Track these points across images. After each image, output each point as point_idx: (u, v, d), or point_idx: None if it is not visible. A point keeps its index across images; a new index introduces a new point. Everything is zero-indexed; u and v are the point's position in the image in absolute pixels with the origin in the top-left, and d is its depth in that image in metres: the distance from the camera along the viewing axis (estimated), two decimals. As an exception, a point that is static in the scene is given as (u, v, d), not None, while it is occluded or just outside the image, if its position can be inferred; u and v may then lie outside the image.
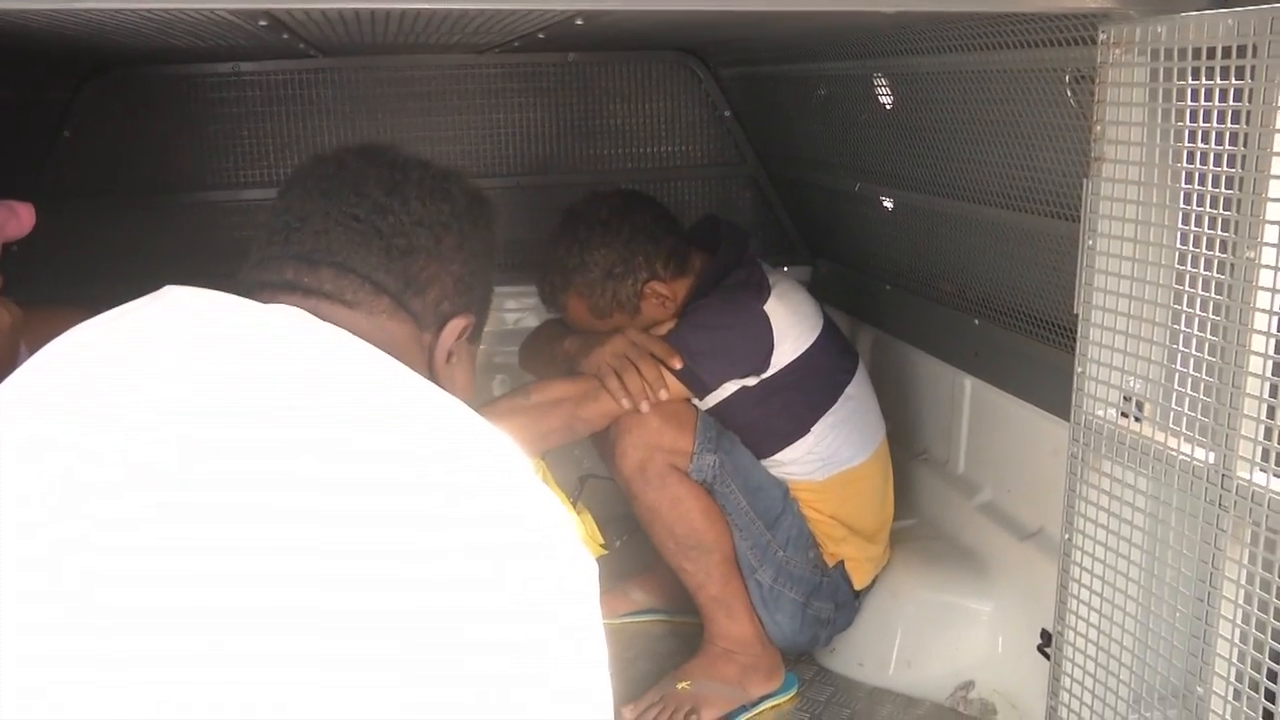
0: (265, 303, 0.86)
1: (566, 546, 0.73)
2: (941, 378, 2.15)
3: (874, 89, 1.94)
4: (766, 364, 1.89)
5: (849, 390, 1.99)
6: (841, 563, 1.99)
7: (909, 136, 1.91)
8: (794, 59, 2.14)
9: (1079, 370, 1.17)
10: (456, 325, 0.97)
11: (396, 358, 0.82)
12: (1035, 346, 1.76)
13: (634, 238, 1.93)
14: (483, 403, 1.87)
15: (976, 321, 1.97)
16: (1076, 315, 1.18)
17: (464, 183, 1.01)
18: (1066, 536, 1.21)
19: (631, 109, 2.60)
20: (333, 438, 0.70)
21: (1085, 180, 1.13)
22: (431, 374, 0.96)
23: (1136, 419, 1.12)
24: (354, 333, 0.83)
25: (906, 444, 2.27)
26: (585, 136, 2.61)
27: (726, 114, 2.63)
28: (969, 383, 2.06)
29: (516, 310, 2.59)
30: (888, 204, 2.17)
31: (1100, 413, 1.16)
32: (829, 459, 1.97)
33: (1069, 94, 1.38)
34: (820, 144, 2.31)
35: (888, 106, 1.95)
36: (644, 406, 1.84)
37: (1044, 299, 1.68)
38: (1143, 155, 1.06)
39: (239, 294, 0.87)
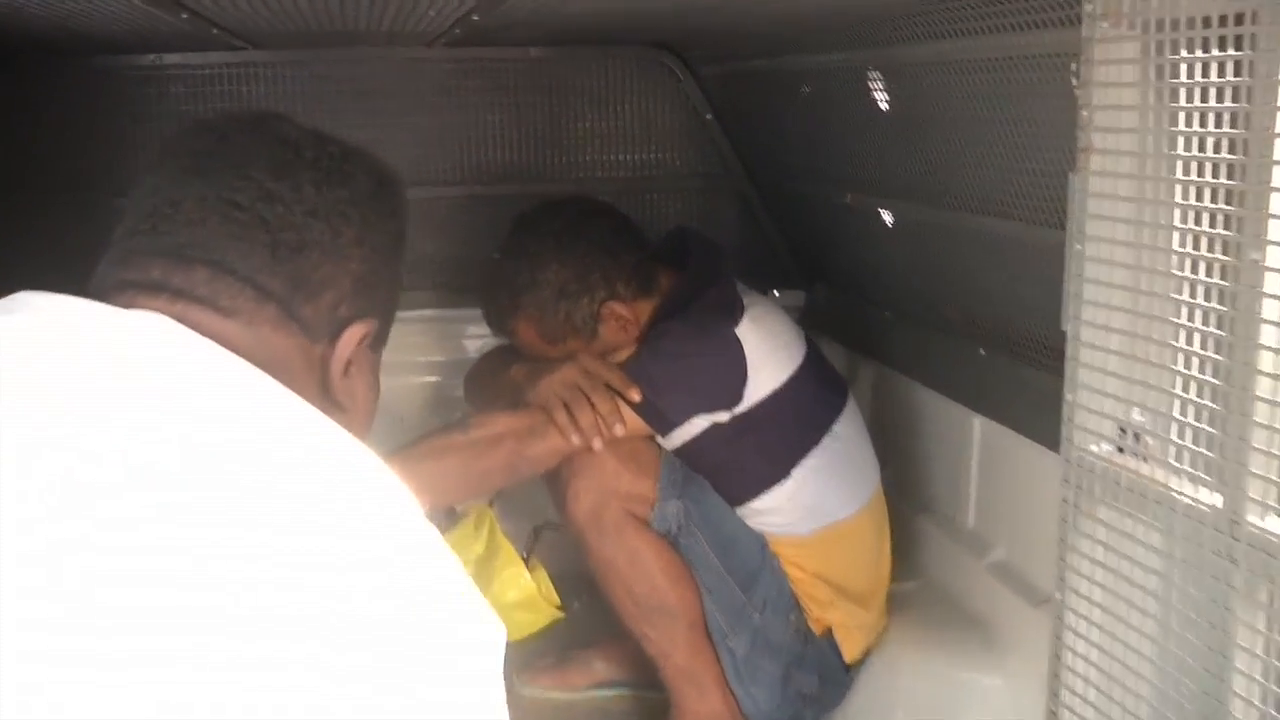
0: (125, 307, 0.83)
1: (458, 611, 0.70)
2: (947, 417, 2.13)
3: (865, 84, 1.93)
4: (739, 397, 1.87)
5: (836, 429, 1.96)
6: (829, 630, 1.96)
7: (905, 139, 1.90)
8: (778, 51, 2.13)
9: (1068, 398, 1.13)
10: (355, 333, 0.94)
11: (280, 377, 0.80)
12: (1051, 380, 1.72)
13: (591, 252, 1.93)
14: (416, 438, 1.84)
15: (983, 351, 1.95)
16: (1065, 333, 1.14)
17: (368, 162, 0.98)
18: (1059, 596, 1.16)
19: (601, 111, 2.61)
20: (181, 481, 0.67)
21: (1070, 175, 1.10)
22: (325, 391, 0.94)
23: (1134, 454, 1.07)
24: (228, 346, 0.80)
25: (908, 494, 2.24)
26: (549, 142, 2.61)
27: (708, 117, 2.63)
28: (977, 423, 2.04)
29: (476, 337, 2.57)
30: (886, 218, 2.16)
31: (1094, 447, 1.11)
32: (813, 508, 1.94)
33: (1073, 83, 1.34)
34: (811, 150, 2.31)
35: (881, 105, 1.94)
36: (597, 444, 1.82)
37: (1055, 321, 1.64)
38: (1136, 143, 1.02)
39: (94, 295, 0.84)
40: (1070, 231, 1.11)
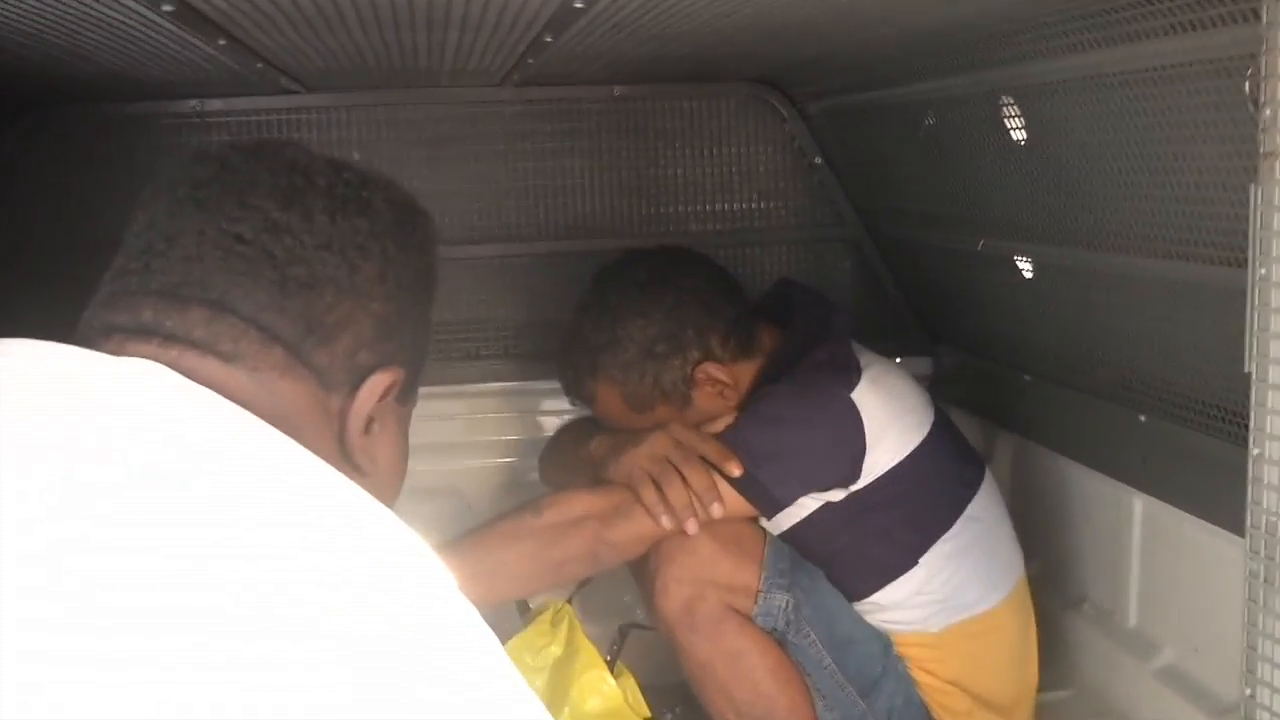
0: (113, 354, 0.82)
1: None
2: (1102, 497, 2.07)
3: (996, 110, 1.90)
4: (857, 472, 1.83)
5: (972, 509, 1.92)
6: None
7: (1045, 171, 1.85)
8: (895, 80, 2.11)
9: (1255, 451, 1.06)
10: (379, 383, 0.92)
11: (290, 431, 0.77)
12: (1229, 451, 1.65)
13: (682, 305, 1.92)
14: (479, 525, 1.83)
15: (1143, 418, 1.89)
16: (1249, 376, 1.07)
17: (389, 189, 0.98)
18: (1248, 693, 1.08)
19: (695, 156, 2.60)
20: (173, 565, 0.65)
21: (1253, 186, 1.04)
22: (343, 451, 0.92)
23: None
24: (231, 397, 0.79)
25: (1058, 588, 2.19)
26: (636, 191, 2.60)
27: (817, 160, 2.61)
28: (1139, 502, 1.98)
29: (555, 413, 2.56)
30: (1023, 266, 2.12)
31: None
32: (947, 602, 1.89)
33: (1246, 90, 1.28)
34: (935, 192, 2.28)
35: (1015, 133, 1.90)
36: (691, 527, 1.79)
37: (1233, 378, 1.57)
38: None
39: (78, 342, 0.83)
40: (1253, 254, 1.05)
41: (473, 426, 2.62)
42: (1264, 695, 1.08)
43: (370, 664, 0.64)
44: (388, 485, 0.96)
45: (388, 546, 0.72)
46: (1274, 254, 1.03)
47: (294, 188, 0.91)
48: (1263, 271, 1.05)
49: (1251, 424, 1.07)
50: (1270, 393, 1.06)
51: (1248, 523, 1.08)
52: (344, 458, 0.91)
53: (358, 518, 0.73)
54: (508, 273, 2.61)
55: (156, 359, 0.81)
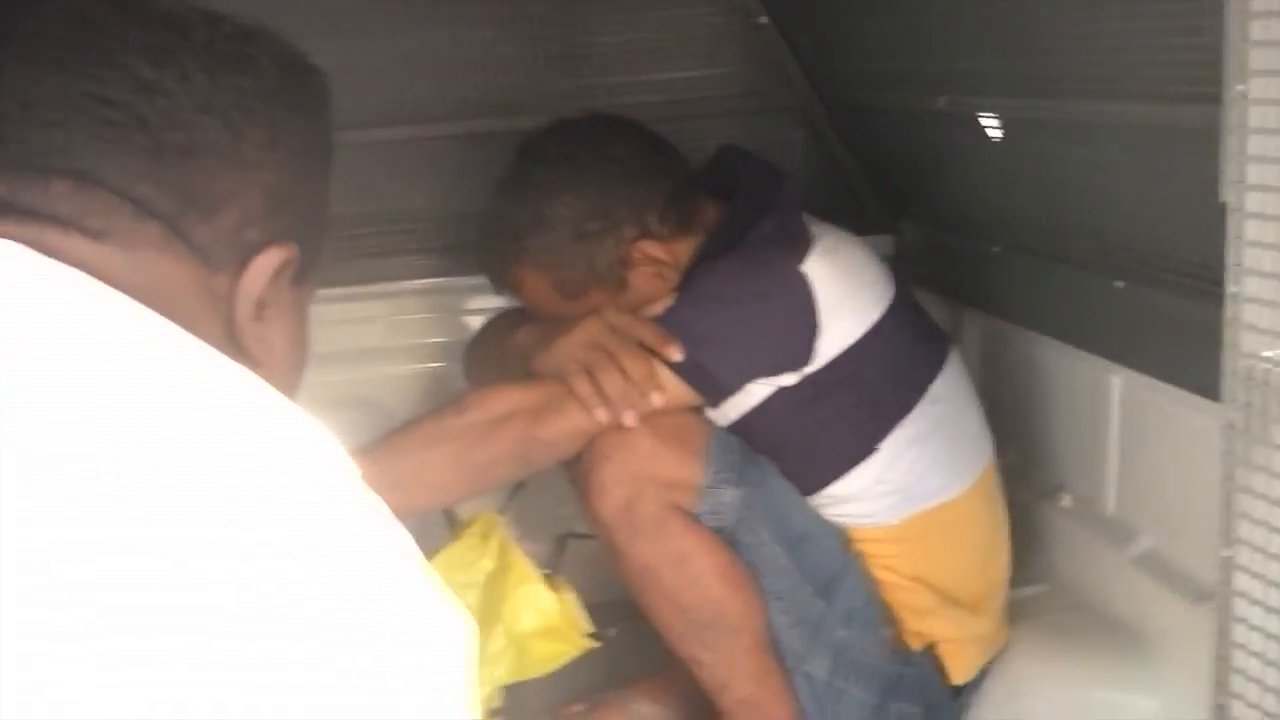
0: None
1: (401, 609, 0.70)
2: (1078, 374, 2.09)
3: None
4: (809, 352, 1.83)
5: (935, 390, 1.92)
6: (932, 645, 1.94)
7: (1004, 13, 1.85)
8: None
9: (1232, 289, 1.06)
10: (270, 261, 0.91)
11: (170, 313, 0.77)
12: (1214, 311, 1.66)
13: (614, 179, 1.91)
14: (395, 429, 1.82)
15: (1120, 284, 1.91)
16: (1224, 207, 1.07)
17: (276, 46, 0.96)
18: (1227, 555, 1.08)
19: (627, 20, 2.55)
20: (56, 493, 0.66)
21: (1227, -4, 1.02)
22: (232, 336, 0.91)
23: None
24: (101, 278, 0.79)
25: (1030, 477, 2.22)
26: (562, 61, 2.56)
27: (762, 19, 2.59)
28: (1117, 378, 2.00)
29: (481, 311, 2.55)
30: (990, 125, 2.11)
31: (1269, 352, 1.04)
32: (907, 491, 1.91)
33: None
34: (891, 46, 2.26)
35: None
36: (628, 419, 1.79)
37: (1213, 228, 1.59)
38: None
39: None
40: (1228, 69, 1.04)
41: (392, 329, 2.60)
42: (1243, 555, 1.09)
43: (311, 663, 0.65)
44: (287, 374, 0.96)
45: (292, 452, 0.72)
46: (1249, 68, 1.02)
47: (167, 43, 0.89)
48: (1240, 88, 1.03)
49: (1228, 258, 1.07)
50: (1248, 223, 1.05)
51: (1224, 367, 1.08)
52: (234, 344, 0.90)
53: (258, 419, 0.73)
54: (423, 157, 2.57)
55: (13, 238, 0.80)
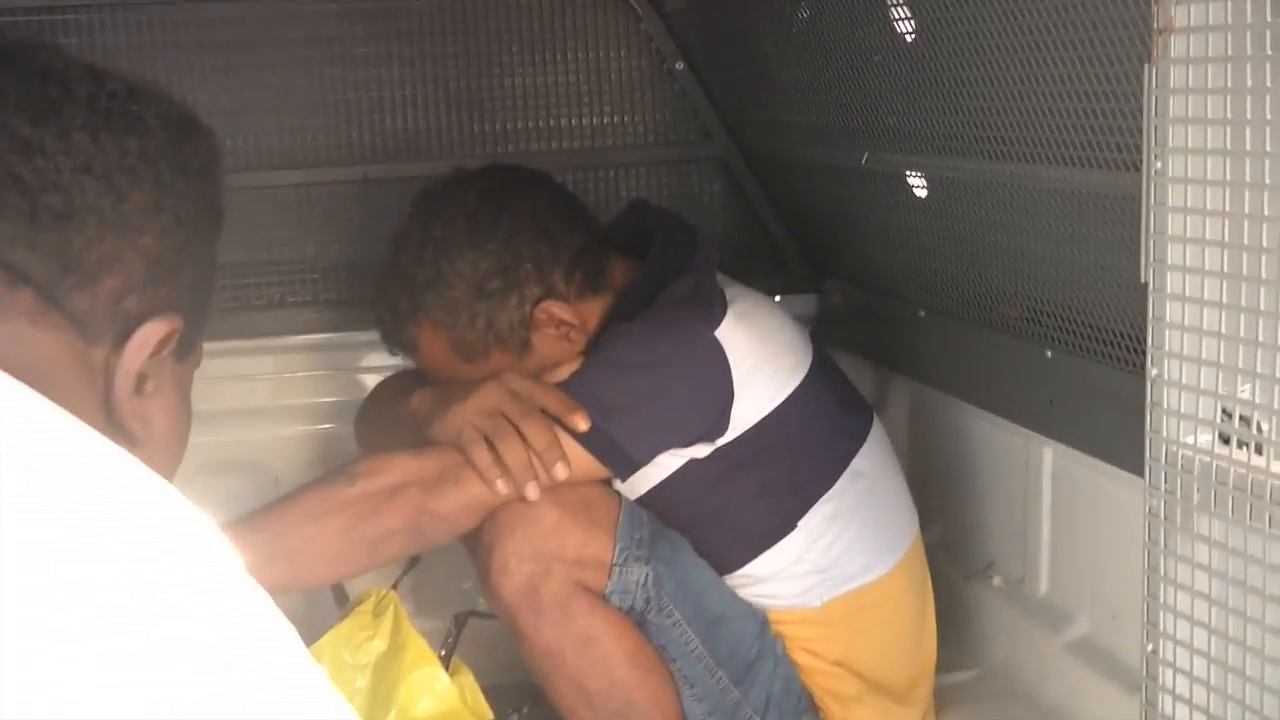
0: None
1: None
2: (1006, 445, 2.13)
3: (878, 2, 1.91)
4: (724, 422, 1.86)
5: (857, 464, 1.96)
6: None
7: (935, 70, 1.89)
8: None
9: (1152, 373, 1.10)
10: (152, 333, 0.92)
11: (46, 390, 0.77)
12: (1139, 382, 1.70)
13: (518, 234, 1.93)
14: (281, 498, 1.83)
15: (1050, 354, 1.94)
16: (1146, 286, 1.11)
17: (164, 104, 0.96)
18: (1149, 648, 1.12)
19: (535, 63, 2.60)
20: None
21: (1147, 67, 1.07)
22: (109, 413, 0.91)
23: (1245, 443, 1.04)
24: None
25: (956, 552, 2.25)
26: (466, 105, 2.59)
27: (679, 65, 2.63)
28: (1048, 452, 2.04)
29: (376, 369, 2.55)
30: (915, 183, 2.16)
31: (1189, 438, 1.08)
32: (829, 571, 1.93)
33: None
34: (812, 100, 2.31)
35: (899, 27, 1.92)
36: (531, 492, 1.80)
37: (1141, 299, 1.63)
38: (1233, 13, 0.99)
39: None
40: (1147, 144, 1.08)
41: (278, 388, 2.60)
42: (1167, 650, 1.12)
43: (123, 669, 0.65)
44: (166, 454, 0.96)
45: (160, 533, 0.72)
46: (1170, 144, 1.07)
47: (48, 99, 0.89)
48: (1158, 165, 1.08)
49: (1149, 340, 1.11)
50: (1168, 304, 1.09)
51: (1146, 454, 1.12)
52: (111, 421, 0.91)
53: (126, 501, 0.73)
54: (316, 204, 2.58)
55: None
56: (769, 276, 2.65)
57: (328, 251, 2.60)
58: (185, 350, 0.96)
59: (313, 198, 2.58)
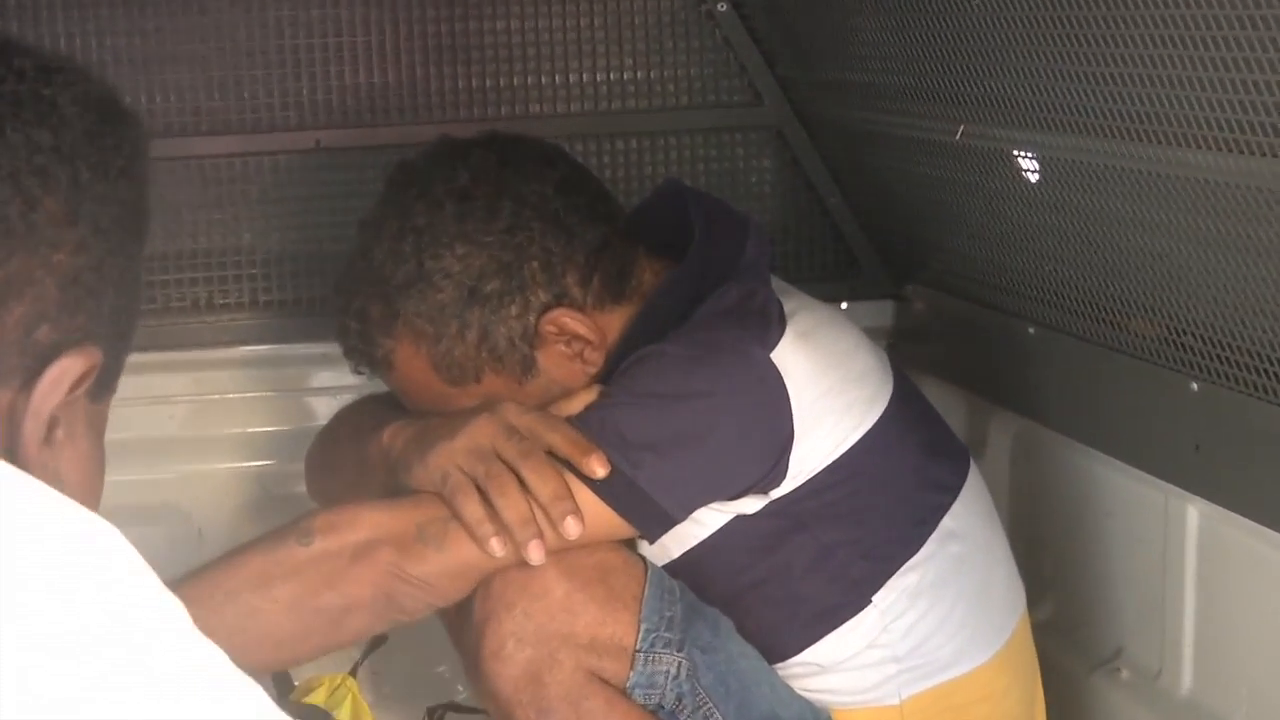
0: None
1: None
2: (1141, 503, 2.13)
3: None
4: (781, 470, 1.88)
5: (950, 523, 1.97)
6: None
7: (1055, 25, 1.88)
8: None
9: None
10: (66, 369, 0.96)
11: None
12: None
13: (524, 224, 1.94)
14: (225, 554, 1.85)
15: (1195, 386, 1.94)
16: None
17: (82, 86, 1.01)
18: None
19: (542, 2, 2.62)
20: None
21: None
22: (20, 461, 0.94)
23: None
24: None
25: (1076, 639, 2.25)
26: (449, 55, 2.62)
27: (720, 7, 2.65)
28: (1192, 510, 2.04)
29: (330, 390, 2.57)
30: (1025, 164, 2.15)
31: None
32: (911, 660, 1.95)
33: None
34: (896, 53, 2.30)
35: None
36: (534, 555, 1.80)
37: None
38: None
39: None
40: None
41: (202, 414, 2.63)
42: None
43: None
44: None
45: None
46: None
47: None
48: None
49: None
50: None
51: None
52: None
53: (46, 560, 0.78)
54: (256, 179, 2.61)
55: None
56: (832, 278, 2.67)
57: (269, 240, 2.62)
58: (102, 389, 1.00)
59: (250, 171, 2.61)
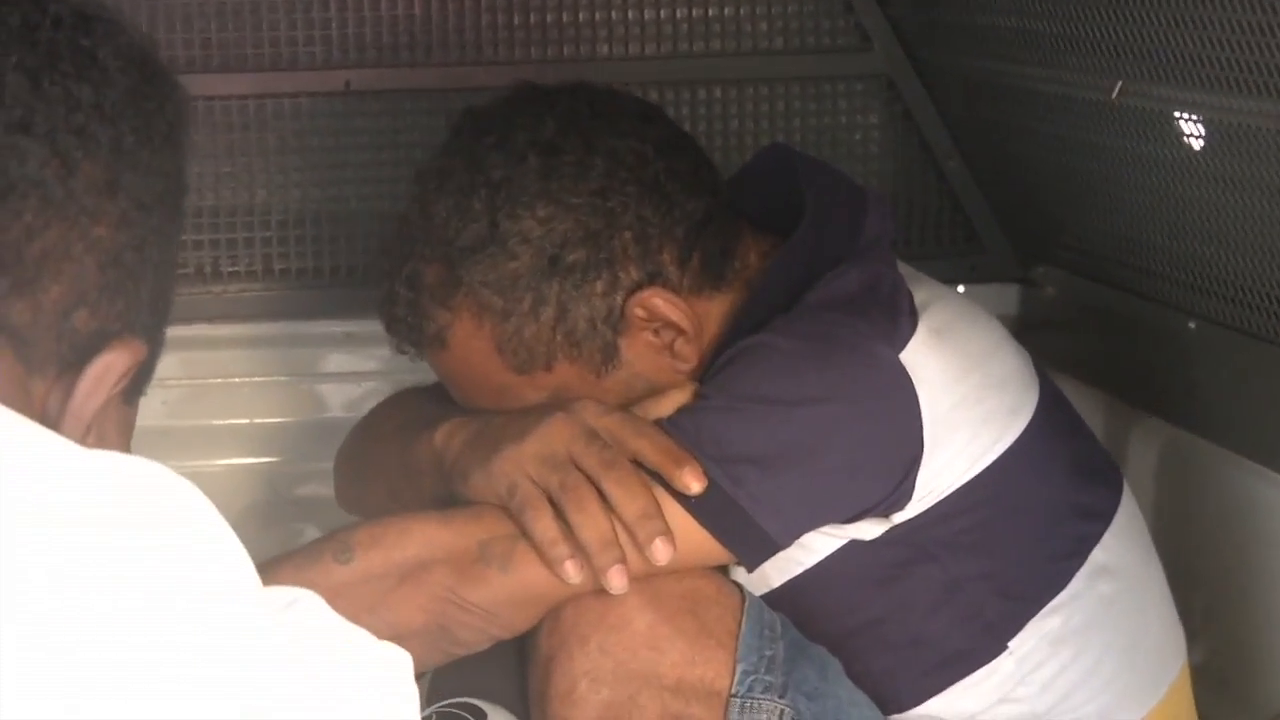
0: None
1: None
2: None
3: None
4: (906, 490, 1.88)
5: (1099, 556, 1.97)
6: None
7: None
8: None
9: None
10: (110, 366, 0.98)
11: None
12: None
13: (618, 188, 1.93)
14: (260, 565, 1.83)
15: None
16: None
17: (125, 38, 1.03)
18: None
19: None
20: None
21: None
22: None
23: None
24: None
25: (1240, 692, 2.24)
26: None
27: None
28: None
29: (361, 374, 2.57)
30: (1188, 129, 2.16)
31: None
32: (1050, 716, 1.95)
33: None
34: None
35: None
36: (615, 581, 1.80)
37: None
38: None
39: None
40: None
41: (200, 400, 2.64)
42: None
43: None
44: None
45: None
46: None
47: None
48: None
49: None
50: None
51: None
52: None
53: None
54: (274, 125, 2.63)
55: None
56: (947, 255, 2.68)
57: (286, 198, 2.64)
58: (136, 389, 1.03)
59: (267, 116, 2.62)
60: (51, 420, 0.95)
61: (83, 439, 0.96)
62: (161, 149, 1.02)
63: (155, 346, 1.04)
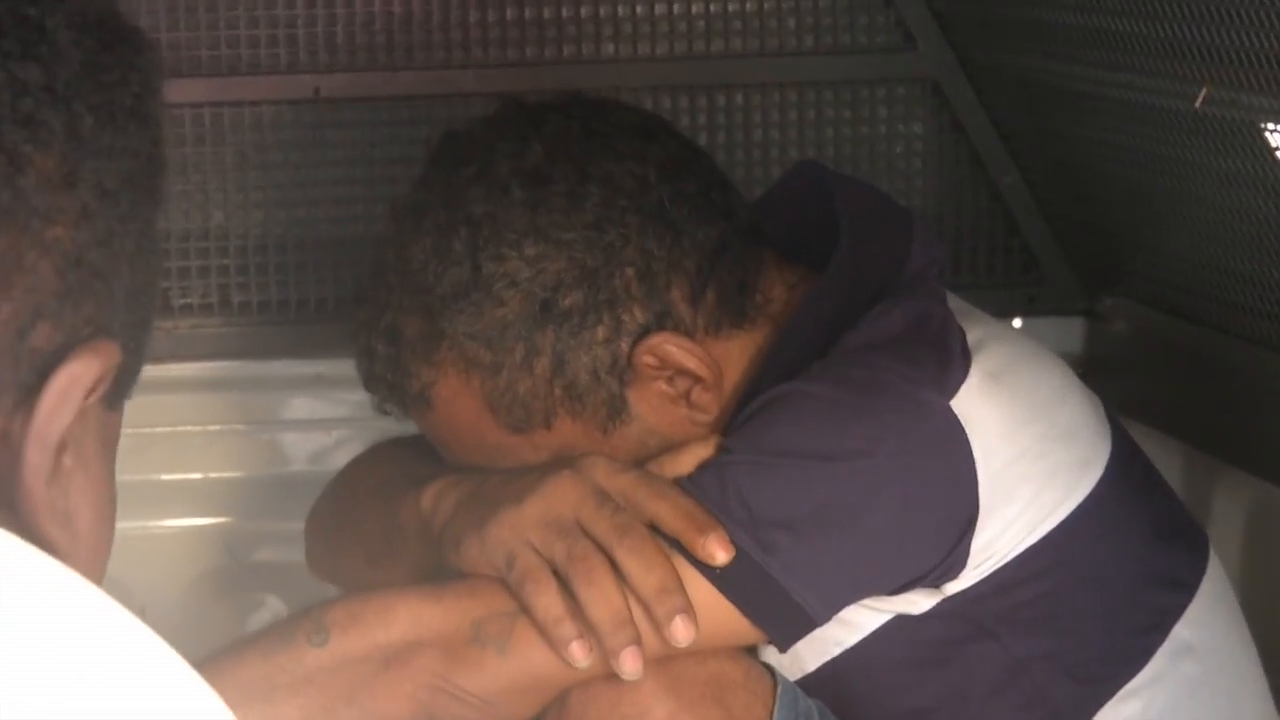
0: None
1: None
2: None
3: None
4: (960, 557, 1.88)
5: (1182, 632, 1.97)
6: None
7: None
8: None
9: None
10: (77, 376, 0.96)
11: None
12: None
13: (617, 219, 1.94)
14: (214, 651, 1.87)
15: None
16: None
17: (76, 3, 1.00)
18: None
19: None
20: None
21: None
22: (12, 511, 0.95)
23: None
24: None
25: None
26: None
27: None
28: None
29: (330, 421, 2.58)
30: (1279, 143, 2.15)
31: None
32: None
33: None
34: None
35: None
36: (629, 665, 1.80)
37: None
38: None
39: None
40: None
41: (146, 453, 2.63)
42: None
43: None
44: (92, 563, 0.99)
45: None
46: None
47: None
48: None
49: None
50: None
51: None
52: (14, 524, 0.93)
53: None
54: (232, 137, 2.65)
55: None
56: (1002, 284, 2.69)
57: (247, 221, 2.66)
58: (119, 392, 1.00)
59: (225, 127, 2.64)
60: (14, 452, 0.93)
61: (55, 463, 0.94)
62: (127, 125, 0.98)
63: (139, 343, 1.02)
